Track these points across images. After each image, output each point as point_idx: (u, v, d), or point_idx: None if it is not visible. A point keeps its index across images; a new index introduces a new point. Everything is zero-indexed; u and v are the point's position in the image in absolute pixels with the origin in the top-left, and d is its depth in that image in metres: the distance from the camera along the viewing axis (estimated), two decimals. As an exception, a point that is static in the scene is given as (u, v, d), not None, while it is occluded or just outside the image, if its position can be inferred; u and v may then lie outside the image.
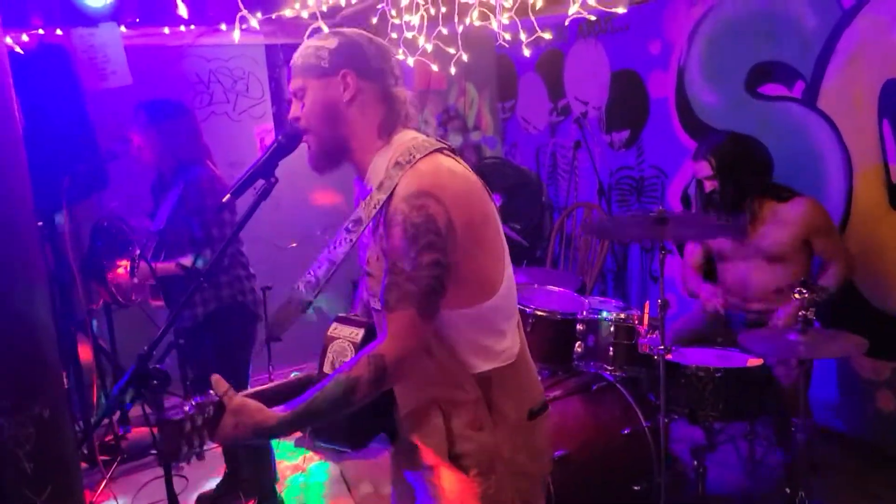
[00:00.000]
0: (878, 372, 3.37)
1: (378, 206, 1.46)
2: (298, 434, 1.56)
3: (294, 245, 4.29)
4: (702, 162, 3.09)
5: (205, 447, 1.42)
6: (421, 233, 1.41)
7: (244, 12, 1.97)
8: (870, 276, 3.35)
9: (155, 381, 1.68)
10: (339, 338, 1.63)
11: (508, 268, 1.58)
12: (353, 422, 1.56)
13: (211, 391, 1.46)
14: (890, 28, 3.13)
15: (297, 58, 1.59)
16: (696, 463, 2.82)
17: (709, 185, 3.09)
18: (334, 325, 1.67)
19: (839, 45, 3.35)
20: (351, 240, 1.48)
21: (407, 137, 1.55)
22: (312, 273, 1.47)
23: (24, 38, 3.69)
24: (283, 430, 1.45)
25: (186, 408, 1.40)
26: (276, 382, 1.59)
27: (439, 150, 1.52)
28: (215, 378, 1.46)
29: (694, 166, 3.17)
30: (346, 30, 1.60)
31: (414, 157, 1.48)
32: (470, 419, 1.53)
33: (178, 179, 2.96)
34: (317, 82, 1.55)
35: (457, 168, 1.52)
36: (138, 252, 2.95)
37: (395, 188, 1.45)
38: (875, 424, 3.41)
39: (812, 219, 3.00)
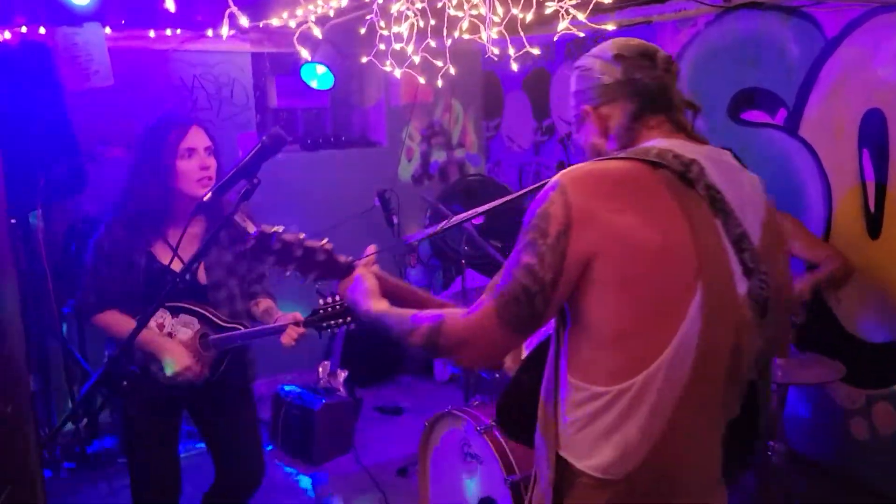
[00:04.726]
0: (853, 399, 3.38)
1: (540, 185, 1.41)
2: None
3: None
4: None
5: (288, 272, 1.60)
6: (530, 227, 1.30)
7: (233, 9, 1.94)
8: (847, 303, 3.37)
9: (125, 382, 1.65)
10: None
11: (686, 332, 1.25)
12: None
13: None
14: (872, 58, 3.18)
15: None
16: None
17: None
18: None
19: (822, 74, 3.40)
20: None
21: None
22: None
23: (7, 35, 3.64)
24: (368, 320, 1.54)
25: (281, 229, 1.56)
26: (411, 287, 1.72)
27: (633, 159, 1.32)
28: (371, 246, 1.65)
29: None
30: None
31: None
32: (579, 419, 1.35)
33: None
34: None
35: (631, 178, 1.29)
36: None
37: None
38: (849, 452, 3.42)
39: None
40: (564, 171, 1.33)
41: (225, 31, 2.26)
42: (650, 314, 1.26)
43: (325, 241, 1.59)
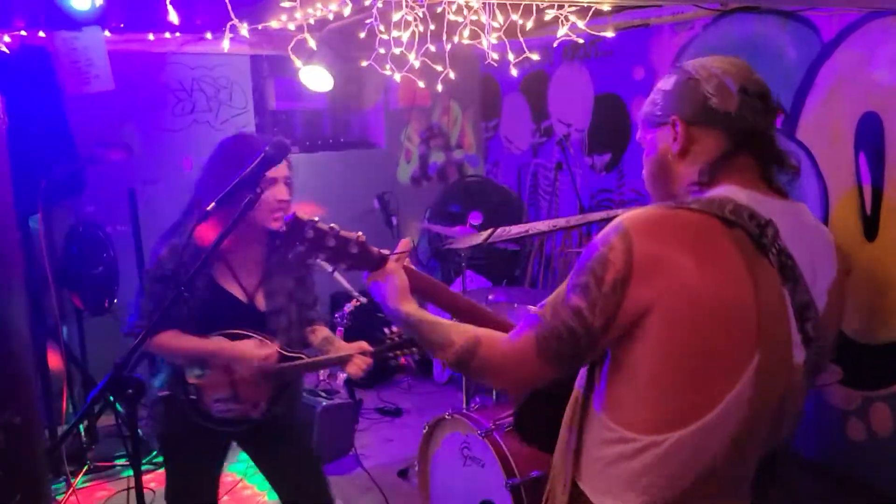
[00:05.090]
0: (849, 401, 3.41)
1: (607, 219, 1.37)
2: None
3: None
4: None
5: (318, 260, 1.58)
6: (586, 269, 1.21)
7: (234, 21, 1.95)
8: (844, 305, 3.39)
9: (130, 390, 1.66)
10: None
11: (734, 398, 1.19)
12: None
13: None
14: (868, 62, 3.20)
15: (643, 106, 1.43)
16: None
17: None
18: None
19: (818, 77, 3.42)
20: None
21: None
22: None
23: (6, 39, 3.65)
24: (395, 319, 1.51)
25: (317, 218, 1.52)
26: (442, 284, 1.66)
27: (707, 213, 1.20)
28: (405, 241, 1.60)
29: None
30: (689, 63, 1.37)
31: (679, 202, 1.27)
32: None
33: None
34: (651, 134, 1.39)
35: (703, 234, 1.19)
36: None
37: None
38: (845, 452, 3.44)
39: None
40: (629, 214, 1.23)
41: (226, 44, 2.26)
42: (697, 373, 1.19)
43: (359, 233, 1.56)
